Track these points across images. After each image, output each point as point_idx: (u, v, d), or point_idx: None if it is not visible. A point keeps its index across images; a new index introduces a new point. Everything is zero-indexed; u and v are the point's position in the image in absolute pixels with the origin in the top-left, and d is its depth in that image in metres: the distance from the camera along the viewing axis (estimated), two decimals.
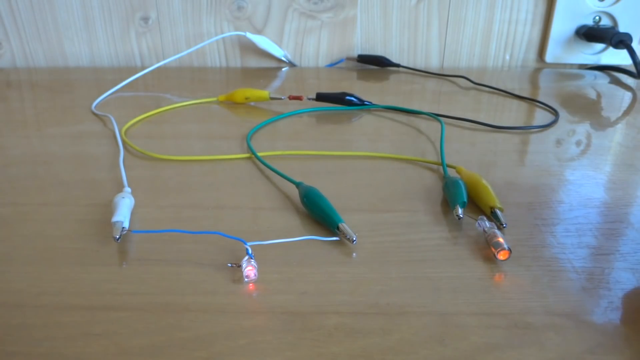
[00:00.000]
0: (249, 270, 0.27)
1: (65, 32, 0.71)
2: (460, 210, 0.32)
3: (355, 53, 0.73)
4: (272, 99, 0.55)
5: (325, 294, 0.26)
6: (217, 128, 0.49)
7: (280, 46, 0.72)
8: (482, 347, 0.23)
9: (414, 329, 0.24)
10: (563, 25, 0.70)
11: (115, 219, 0.30)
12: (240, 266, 0.27)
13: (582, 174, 0.39)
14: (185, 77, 0.67)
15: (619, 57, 0.70)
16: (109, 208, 0.32)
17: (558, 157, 0.43)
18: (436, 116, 0.50)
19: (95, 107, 0.54)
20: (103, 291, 0.26)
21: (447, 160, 0.41)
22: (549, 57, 0.72)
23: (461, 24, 0.71)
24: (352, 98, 0.54)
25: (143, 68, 0.64)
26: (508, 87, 0.62)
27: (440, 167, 0.40)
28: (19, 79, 0.67)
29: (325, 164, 0.41)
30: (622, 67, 0.70)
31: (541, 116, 0.53)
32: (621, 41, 0.65)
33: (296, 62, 0.74)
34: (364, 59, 0.72)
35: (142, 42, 0.72)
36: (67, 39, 0.72)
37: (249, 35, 0.68)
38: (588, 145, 0.45)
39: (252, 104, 0.56)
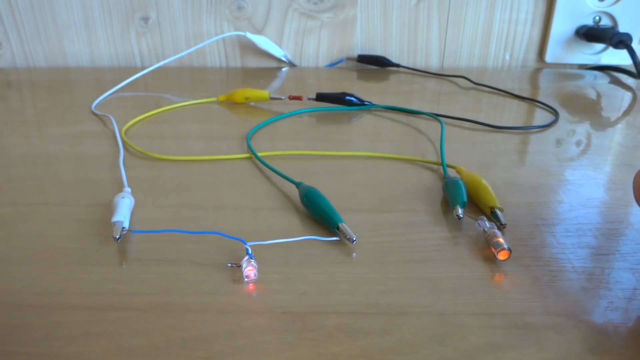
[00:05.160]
0: (249, 270, 0.27)
1: (65, 32, 0.71)
2: (460, 210, 0.32)
3: (355, 53, 0.73)
4: (272, 99, 0.55)
5: (325, 294, 0.26)
6: (217, 128, 0.49)
7: (280, 46, 0.72)
8: (482, 347, 0.23)
9: (414, 329, 0.24)
10: (563, 25, 0.70)
11: (115, 219, 0.30)
12: (240, 266, 0.27)
13: (582, 174, 0.39)
14: (185, 77, 0.67)
15: (619, 57, 0.70)
16: (109, 208, 0.32)
17: (558, 157, 0.43)
18: (436, 116, 0.50)
19: (95, 107, 0.54)
20: (103, 291, 0.26)
21: (447, 160, 0.41)
22: (549, 57, 0.72)
23: (461, 24, 0.71)
24: (352, 98, 0.54)
25: (143, 68, 0.64)
26: (508, 87, 0.62)
27: (440, 167, 0.40)
28: (19, 79, 0.67)
29: (325, 164, 0.41)
30: (622, 67, 0.70)
31: (541, 116, 0.53)
32: (621, 41, 0.65)
33: (296, 62, 0.74)
34: (364, 59, 0.72)
35: (142, 42, 0.72)
36: (67, 39, 0.72)
37: (249, 35, 0.68)
38: (588, 145, 0.45)
39: (252, 104, 0.56)
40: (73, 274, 0.27)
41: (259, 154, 0.41)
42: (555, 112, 0.53)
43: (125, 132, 0.47)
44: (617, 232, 0.32)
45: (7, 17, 0.70)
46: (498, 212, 0.32)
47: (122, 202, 0.32)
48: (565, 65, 0.73)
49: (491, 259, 0.29)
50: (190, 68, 0.73)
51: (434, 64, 0.74)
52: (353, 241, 0.29)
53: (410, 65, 0.73)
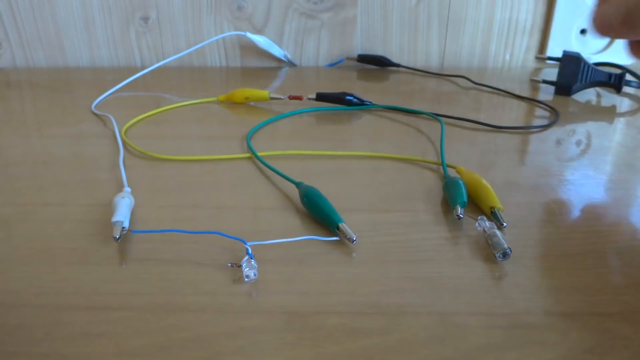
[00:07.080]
0: (249, 270, 0.27)
1: (65, 32, 0.71)
2: (460, 210, 0.32)
3: (355, 53, 0.73)
4: (272, 98, 0.55)
5: (325, 294, 0.26)
6: (217, 128, 0.49)
7: (280, 46, 0.72)
8: (482, 347, 0.23)
9: (414, 329, 0.24)
10: (563, 25, 0.70)
11: (115, 219, 0.30)
12: (240, 266, 0.27)
13: (582, 174, 0.39)
14: (185, 77, 0.67)
15: (619, 57, 0.70)
16: (109, 208, 0.32)
17: (558, 157, 0.43)
18: (436, 116, 0.50)
19: (95, 107, 0.54)
20: (103, 291, 0.26)
21: (447, 160, 0.41)
22: None
23: (461, 24, 0.71)
24: (352, 98, 0.54)
25: (143, 68, 0.64)
26: (508, 87, 0.62)
27: (440, 167, 0.40)
28: (19, 79, 0.67)
29: (325, 164, 0.41)
30: (622, 66, 0.70)
31: (541, 116, 0.53)
32: None
33: (296, 62, 0.74)
34: (364, 59, 0.72)
35: (142, 42, 0.72)
36: (67, 39, 0.72)
37: (249, 35, 0.68)
38: (588, 145, 0.45)
39: (252, 104, 0.56)
40: (73, 274, 0.27)
41: (259, 154, 0.41)
42: (555, 112, 0.53)
43: (125, 132, 0.47)
44: (617, 232, 0.32)
45: (7, 17, 0.70)
46: (498, 212, 0.32)
47: (122, 202, 0.32)
48: None
49: (491, 259, 0.29)
50: (190, 68, 0.73)
51: (434, 64, 0.74)
52: (353, 241, 0.29)
53: (410, 65, 0.73)
